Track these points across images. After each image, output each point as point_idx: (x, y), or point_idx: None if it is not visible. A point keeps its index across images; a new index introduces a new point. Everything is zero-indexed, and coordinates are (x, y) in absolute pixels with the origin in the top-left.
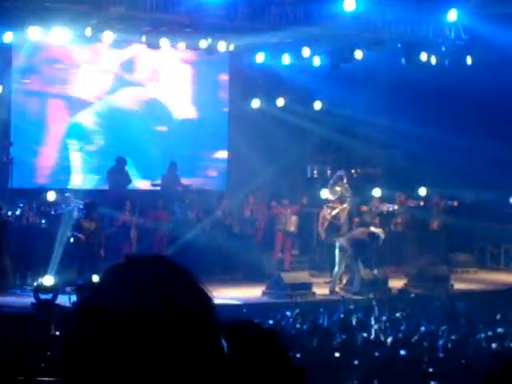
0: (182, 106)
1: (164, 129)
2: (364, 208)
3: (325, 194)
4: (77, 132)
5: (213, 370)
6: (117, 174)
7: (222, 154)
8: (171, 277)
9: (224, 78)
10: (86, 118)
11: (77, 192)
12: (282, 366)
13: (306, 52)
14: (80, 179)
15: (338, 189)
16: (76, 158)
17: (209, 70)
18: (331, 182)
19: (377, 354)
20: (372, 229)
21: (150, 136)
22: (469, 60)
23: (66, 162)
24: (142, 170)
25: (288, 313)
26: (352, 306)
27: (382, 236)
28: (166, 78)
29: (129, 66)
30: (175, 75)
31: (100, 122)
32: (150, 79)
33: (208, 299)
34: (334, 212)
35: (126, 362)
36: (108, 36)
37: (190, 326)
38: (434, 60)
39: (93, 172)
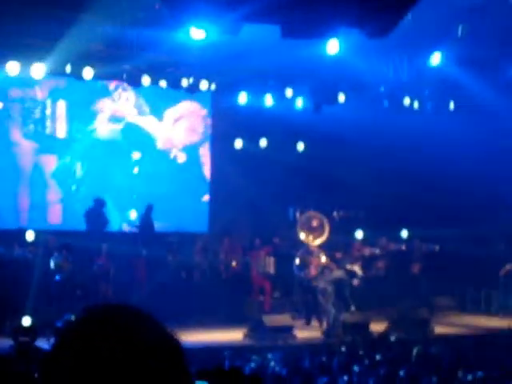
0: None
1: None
2: (338, 255)
3: (302, 236)
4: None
5: None
6: (94, 215)
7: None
8: (136, 326)
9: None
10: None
11: (54, 233)
12: None
13: (288, 93)
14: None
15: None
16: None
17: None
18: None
19: None
20: (348, 266)
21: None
22: (451, 105)
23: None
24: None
25: (269, 355)
26: (333, 349)
27: (360, 273)
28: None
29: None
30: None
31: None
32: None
33: (176, 343)
34: (323, 259)
35: None
36: (88, 72)
37: (162, 372)
38: (416, 104)
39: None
